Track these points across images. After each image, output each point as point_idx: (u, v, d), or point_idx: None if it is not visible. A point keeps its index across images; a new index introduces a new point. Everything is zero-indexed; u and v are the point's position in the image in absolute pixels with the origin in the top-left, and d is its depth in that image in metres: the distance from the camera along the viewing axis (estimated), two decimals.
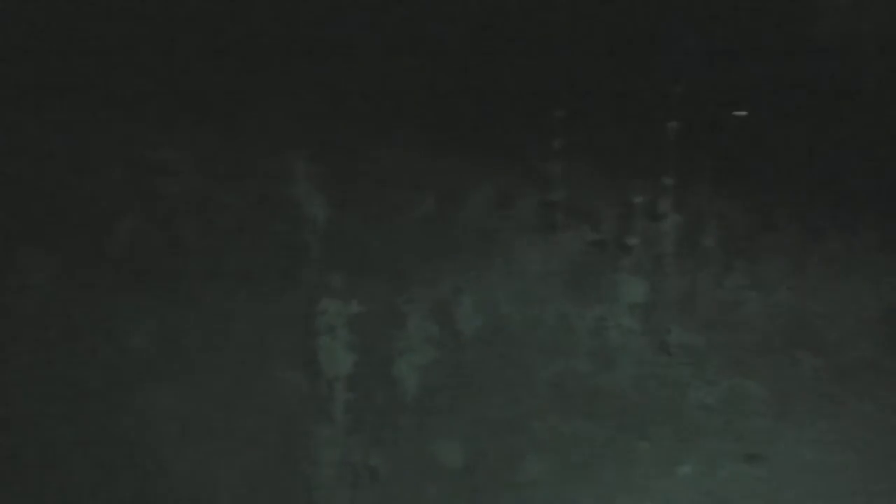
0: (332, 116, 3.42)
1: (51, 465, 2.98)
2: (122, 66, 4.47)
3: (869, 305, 3.85)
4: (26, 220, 3.58)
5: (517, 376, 3.53)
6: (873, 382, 3.75)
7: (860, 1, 4.12)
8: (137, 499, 3.01)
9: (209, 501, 3.07)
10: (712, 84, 3.85)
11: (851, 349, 3.79)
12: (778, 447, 3.61)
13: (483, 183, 3.65)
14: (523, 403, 3.52)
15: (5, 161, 3.77)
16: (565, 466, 3.50)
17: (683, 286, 3.75)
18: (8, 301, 3.15)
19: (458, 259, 3.59)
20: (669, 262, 3.77)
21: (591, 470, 3.52)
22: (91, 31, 4.64)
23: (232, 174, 3.30)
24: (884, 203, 3.96)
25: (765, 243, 3.84)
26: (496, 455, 3.45)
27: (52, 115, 4.18)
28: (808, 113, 4.03)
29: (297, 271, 3.33)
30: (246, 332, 3.23)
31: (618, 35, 3.94)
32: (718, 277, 3.80)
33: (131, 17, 4.75)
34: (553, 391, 3.55)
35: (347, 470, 3.29)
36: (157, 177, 3.25)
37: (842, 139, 3.96)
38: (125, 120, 4.05)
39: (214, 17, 4.62)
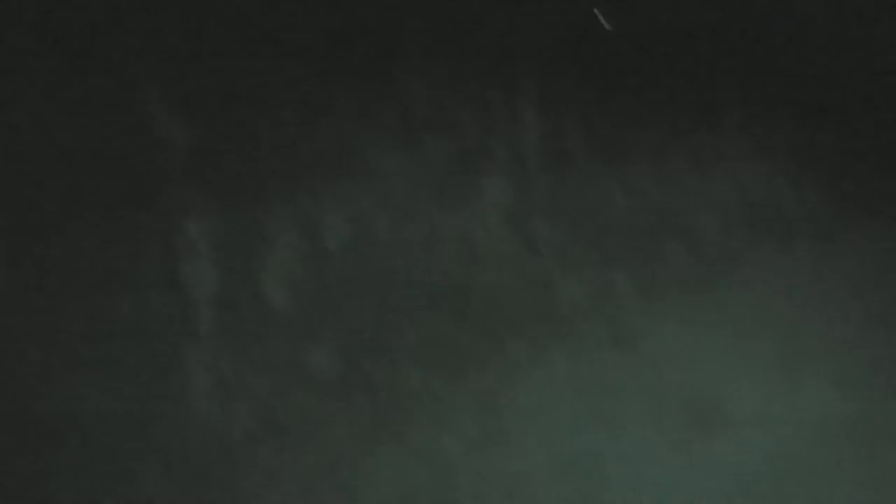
0: (187, 40, 3.43)
1: None
2: None
3: (732, 198, 3.95)
4: None
5: (386, 286, 3.60)
6: (735, 271, 3.87)
7: None
8: (6, 435, 3.06)
9: (80, 429, 3.12)
10: None
11: (715, 240, 3.90)
12: (645, 333, 3.73)
13: (345, 97, 3.68)
14: (394, 312, 3.59)
15: None
16: (440, 371, 3.59)
17: (549, 187, 3.82)
18: None
19: (321, 174, 3.63)
20: (534, 165, 3.84)
21: (465, 372, 3.62)
22: None
23: (82, 100, 3.32)
24: (747, 101, 4.05)
25: (629, 143, 3.91)
26: (369, 365, 3.54)
27: None
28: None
29: (157, 193, 3.37)
30: (107, 256, 3.27)
31: None
32: (584, 177, 3.87)
33: None
34: (423, 298, 3.63)
35: (220, 388, 3.36)
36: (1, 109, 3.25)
37: (709, 41, 4.03)
38: None
39: None
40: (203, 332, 3.37)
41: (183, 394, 3.27)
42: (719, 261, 3.89)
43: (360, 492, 3.35)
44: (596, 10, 3.94)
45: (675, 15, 4.01)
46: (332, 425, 3.42)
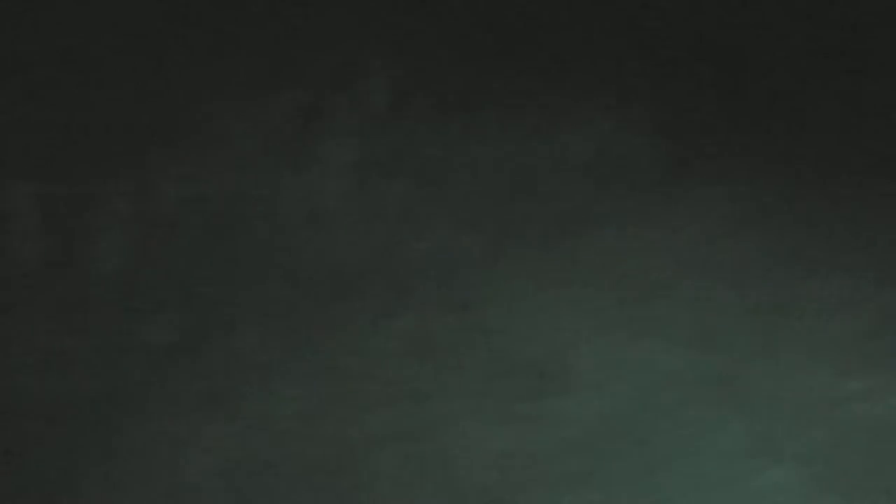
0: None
1: None
2: None
3: (581, 153, 3.90)
4: None
5: (225, 248, 3.52)
6: (584, 225, 3.82)
7: None
8: None
9: None
10: None
11: (565, 197, 3.85)
12: (489, 294, 3.68)
13: (184, 55, 3.58)
14: (234, 275, 3.52)
15: None
16: (281, 334, 3.53)
17: (396, 145, 3.75)
18: None
19: (158, 134, 3.53)
20: (380, 123, 3.76)
21: (307, 335, 3.56)
22: None
23: None
24: (591, 55, 3.99)
25: (478, 98, 3.84)
26: (208, 329, 3.46)
27: None
28: None
29: None
30: None
31: None
32: (432, 133, 3.80)
33: None
34: (263, 260, 3.56)
35: (51, 358, 3.28)
36: None
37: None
38: None
39: None
40: (28, 299, 3.27)
41: (3, 365, 3.18)
42: (570, 218, 3.84)
43: (190, 463, 3.28)
44: None
45: None
46: (164, 394, 3.34)
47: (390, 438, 3.47)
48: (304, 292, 3.57)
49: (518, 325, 3.68)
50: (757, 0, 4.13)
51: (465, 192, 3.78)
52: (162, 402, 3.35)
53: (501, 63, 3.86)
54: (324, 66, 3.73)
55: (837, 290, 3.78)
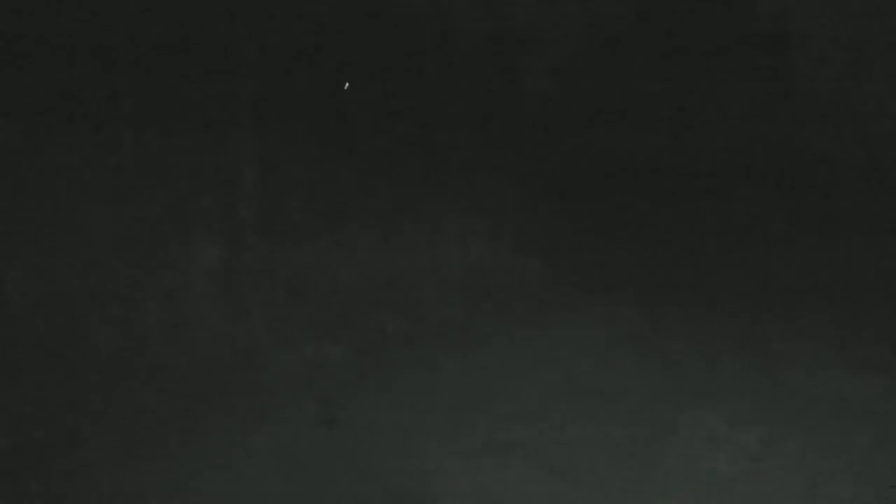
0: None
1: None
2: None
3: (454, 267, 3.83)
4: None
5: (78, 351, 3.35)
6: (459, 340, 3.74)
7: None
8: None
9: None
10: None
11: (435, 310, 3.77)
12: (357, 410, 3.55)
13: (45, 148, 3.44)
14: (83, 379, 3.34)
15: None
16: (130, 443, 3.34)
17: (264, 252, 3.64)
18: None
19: (13, 228, 3.37)
20: (250, 228, 3.65)
21: (157, 446, 3.38)
22: None
23: None
24: (474, 163, 3.95)
25: (354, 208, 3.76)
26: (47, 439, 3.27)
27: None
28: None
29: None
30: None
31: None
32: (302, 242, 3.70)
33: None
34: (118, 365, 3.39)
35: None
36: None
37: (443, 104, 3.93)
38: None
39: None
40: None
41: None
42: (439, 332, 3.76)
43: None
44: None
45: (402, 79, 3.90)
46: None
47: None
48: (158, 399, 3.40)
49: (383, 446, 3.55)
50: (634, 125, 4.15)
51: (336, 303, 3.68)
52: None
53: (378, 175, 3.80)
54: (193, 169, 3.62)
55: (712, 427, 3.75)
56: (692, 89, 4.09)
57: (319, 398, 3.52)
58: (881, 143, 4.16)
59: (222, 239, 3.60)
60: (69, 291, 3.39)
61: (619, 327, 3.91)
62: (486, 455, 3.66)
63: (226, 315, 3.54)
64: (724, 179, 4.07)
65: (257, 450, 3.43)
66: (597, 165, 4.05)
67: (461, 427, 3.68)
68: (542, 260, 3.94)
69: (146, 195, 3.57)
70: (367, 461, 3.51)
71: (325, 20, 3.82)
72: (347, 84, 3.77)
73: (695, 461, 3.75)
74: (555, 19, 3.98)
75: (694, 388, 3.85)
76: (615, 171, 4.06)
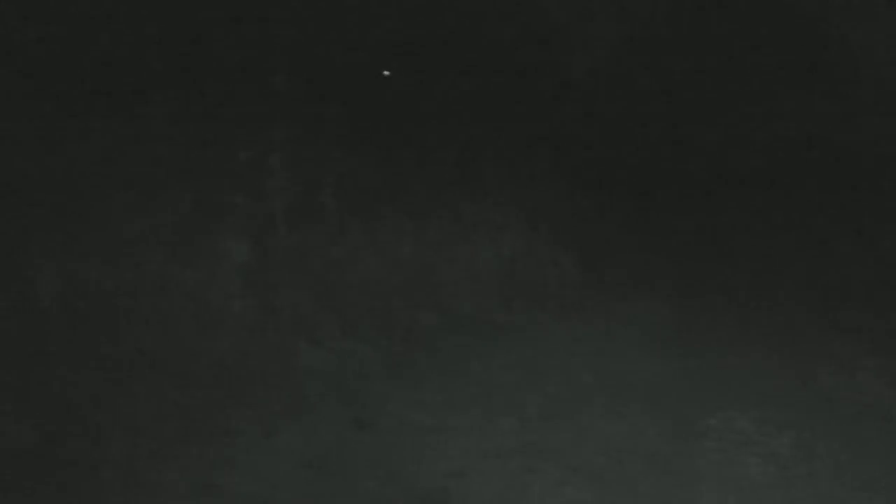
0: None
1: None
2: None
3: (487, 262, 3.77)
4: None
5: (105, 346, 3.31)
6: (489, 337, 3.69)
7: None
8: None
9: None
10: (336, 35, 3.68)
11: (468, 305, 3.71)
12: (388, 411, 3.51)
13: (80, 141, 3.39)
14: (110, 377, 3.30)
15: None
16: (156, 440, 3.31)
17: (294, 246, 3.58)
18: None
19: (42, 222, 3.33)
20: (279, 221, 3.59)
21: (185, 444, 3.34)
22: None
23: None
24: (509, 157, 3.89)
25: (385, 201, 3.70)
26: (74, 434, 3.23)
27: None
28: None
29: None
30: None
31: None
32: (333, 236, 3.64)
33: None
34: (145, 361, 3.35)
35: None
36: None
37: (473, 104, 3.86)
38: None
39: None
40: None
41: None
42: (473, 332, 3.70)
43: None
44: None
45: (438, 79, 3.83)
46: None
47: None
48: (186, 396, 3.36)
49: (412, 447, 3.51)
50: (670, 122, 4.08)
51: (367, 298, 3.62)
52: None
53: (412, 168, 3.73)
54: (223, 161, 3.56)
55: (742, 429, 3.70)
56: (733, 85, 4.01)
57: (348, 398, 3.48)
58: None
59: (252, 233, 3.55)
60: (98, 286, 3.34)
61: (652, 326, 3.86)
62: (517, 456, 3.62)
63: (255, 310, 3.49)
64: (764, 177, 4.00)
65: (284, 449, 3.40)
66: (634, 160, 3.98)
67: (491, 427, 3.64)
68: (576, 256, 3.88)
69: (176, 189, 3.52)
70: (396, 461, 3.47)
71: (361, 13, 3.75)
72: (387, 72, 3.70)
73: (725, 465, 3.71)
74: (594, 13, 3.90)
75: (726, 390, 3.80)
76: (652, 166, 3.99)
